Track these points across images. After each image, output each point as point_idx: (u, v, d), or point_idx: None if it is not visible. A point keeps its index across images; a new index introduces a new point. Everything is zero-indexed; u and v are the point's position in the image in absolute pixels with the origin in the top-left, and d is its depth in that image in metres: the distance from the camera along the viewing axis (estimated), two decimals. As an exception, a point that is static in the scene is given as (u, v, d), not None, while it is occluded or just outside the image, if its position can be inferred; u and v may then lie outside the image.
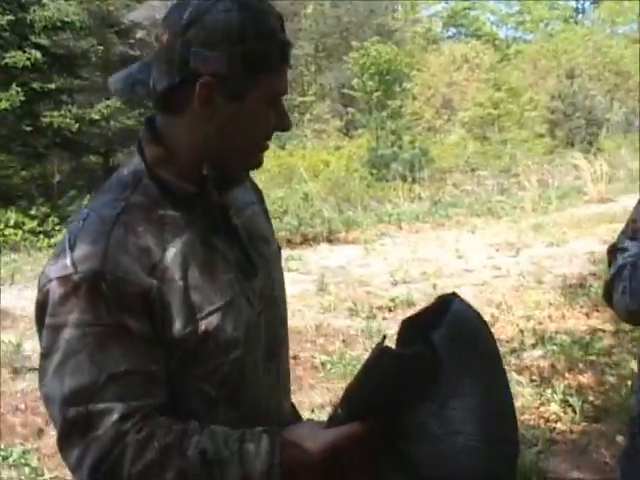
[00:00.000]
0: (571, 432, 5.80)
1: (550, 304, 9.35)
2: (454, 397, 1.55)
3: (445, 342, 1.58)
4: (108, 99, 23.76)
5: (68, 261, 1.59)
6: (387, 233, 16.26)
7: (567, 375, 6.90)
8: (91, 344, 1.56)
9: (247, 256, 1.80)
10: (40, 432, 6.11)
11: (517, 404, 6.23)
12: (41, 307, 1.64)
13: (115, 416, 1.55)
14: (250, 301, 1.78)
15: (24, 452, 5.74)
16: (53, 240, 18.06)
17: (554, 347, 7.63)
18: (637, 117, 31.68)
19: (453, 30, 65.98)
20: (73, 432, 1.57)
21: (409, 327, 1.76)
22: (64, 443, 1.59)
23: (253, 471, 1.53)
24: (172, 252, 1.65)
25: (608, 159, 22.29)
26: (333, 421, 1.59)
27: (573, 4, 61.09)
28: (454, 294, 1.71)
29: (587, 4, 60.11)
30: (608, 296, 2.48)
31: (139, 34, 28.52)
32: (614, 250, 2.56)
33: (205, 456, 1.53)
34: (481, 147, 31.32)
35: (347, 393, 1.60)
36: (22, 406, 6.64)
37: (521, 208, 18.75)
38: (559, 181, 21.86)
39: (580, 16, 59.79)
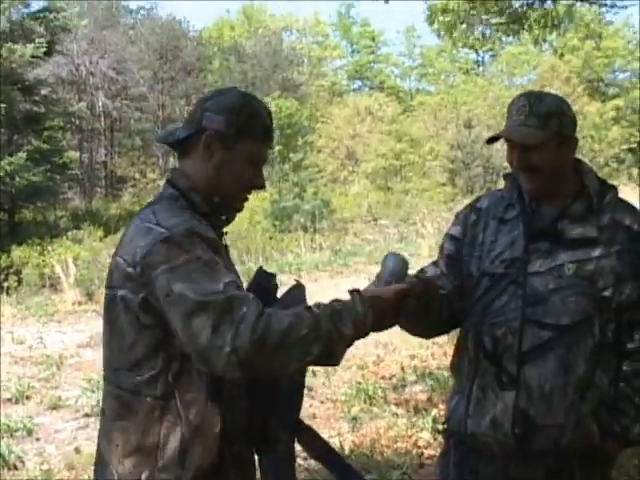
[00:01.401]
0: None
1: (433, 343, 9.82)
2: None
3: None
4: (12, 156, 23.77)
5: (162, 230, 2.23)
6: (287, 282, 16.52)
7: (441, 406, 7.36)
8: (203, 270, 2.16)
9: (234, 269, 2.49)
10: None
11: (391, 434, 6.74)
12: (150, 264, 2.20)
13: (251, 296, 2.16)
14: None
15: None
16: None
17: (432, 382, 8.12)
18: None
19: (358, 83, 67.19)
20: (222, 317, 2.08)
21: None
22: (214, 335, 2.08)
23: (358, 315, 2.24)
24: (212, 234, 2.34)
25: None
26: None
27: (473, 57, 62.59)
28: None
29: (487, 57, 61.82)
30: None
31: (44, 91, 28.59)
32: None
33: (326, 311, 2.19)
34: (384, 197, 32.04)
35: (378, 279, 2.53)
36: None
37: (418, 255, 19.35)
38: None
39: (480, 68, 61.47)
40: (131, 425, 2.29)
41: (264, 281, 2.53)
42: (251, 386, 2.36)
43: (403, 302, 2.43)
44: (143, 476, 2.28)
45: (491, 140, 2.98)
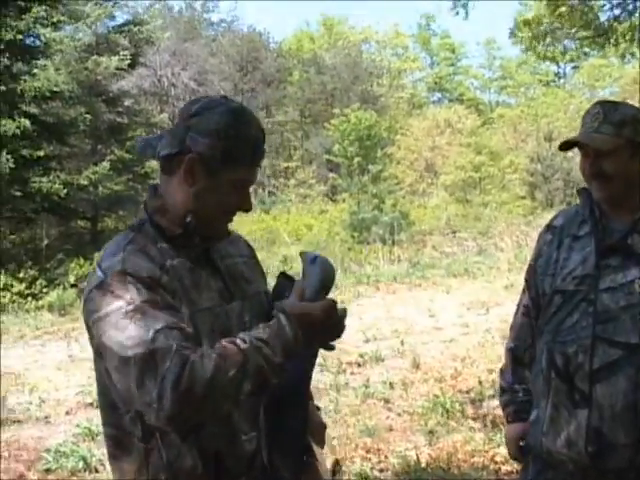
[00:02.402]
0: (517, 472, 6.17)
1: (512, 358, 9.75)
2: None
3: None
4: (96, 165, 24.20)
5: (99, 273, 2.15)
6: (364, 294, 16.74)
7: (519, 422, 7.28)
8: (133, 317, 2.04)
9: (226, 286, 2.35)
10: (21, 477, 6.55)
11: (468, 448, 6.68)
12: (87, 312, 2.17)
13: (174, 347, 1.99)
14: (229, 316, 2.30)
15: (6, 496, 6.16)
16: (41, 302, 18.41)
17: (510, 397, 8.01)
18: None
19: (438, 95, 67.06)
20: (145, 373, 1.98)
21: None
22: (140, 390, 2.00)
23: (287, 338, 2.07)
24: (169, 263, 2.21)
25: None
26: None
27: (554, 69, 61.94)
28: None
29: (568, 69, 61.15)
30: None
31: (127, 102, 29.09)
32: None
33: (253, 343, 2.05)
34: (462, 209, 31.86)
35: (306, 287, 2.21)
36: (5, 454, 7.07)
37: (497, 268, 19.23)
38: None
39: (561, 80, 60.85)
40: (125, 465, 2.27)
41: (282, 289, 2.39)
42: (256, 417, 2.33)
43: (331, 317, 2.18)
44: None
45: (564, 145, 2.99)
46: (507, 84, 65.02)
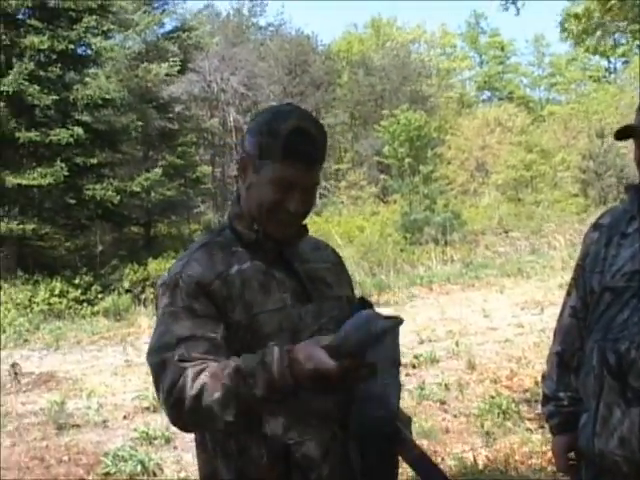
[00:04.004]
0: (575, 474, 6.12)
1: (568, 357, 9.68)
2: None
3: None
4: (148, 171, 24.45)
5: (166, 272, 2.36)
6: (418, 295, 16.71)
7: (576, 422, 7.21)
8: (169, 319, 2.23)
9: (303, 287, 2.39)
10: (82, 481, 6.66)
11: (525, 449, 6.62)
12: (155, 304, 2.38)
13: (175, 358, 2.14)
14: (302, 317, 2.34)
15: (67, 499, 6.25)
16: (96, 308, 18.68)
17: (567, 397, 7.94)
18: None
19: (487, 93, 66.63)
20: (158, 375, 2.16)
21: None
22: (156, 384, 2.18)
23: (273, 373, 2.05)
24: (235, 268, 2.31)
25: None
26: (329, 351, 2.06)
27: (605, 64, 61.22)
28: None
29: (619, 64, 60.37)
30: None
31: (177, 108, 29.35)
32: None
33: (239, 371, 2.08)
34: (514, 208, 31.62)
35: (340, 339, 2.09)
36: (65, 458, 7.19)
37: (550, 267, 19.07)
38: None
39: (612, 76, 60.10)
40: (202, 454, 2.37)
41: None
42: (330, 414, 2.30)
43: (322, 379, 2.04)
44: None
45: (620, 134, 2.88)
46: (557, 81, 64.37)
